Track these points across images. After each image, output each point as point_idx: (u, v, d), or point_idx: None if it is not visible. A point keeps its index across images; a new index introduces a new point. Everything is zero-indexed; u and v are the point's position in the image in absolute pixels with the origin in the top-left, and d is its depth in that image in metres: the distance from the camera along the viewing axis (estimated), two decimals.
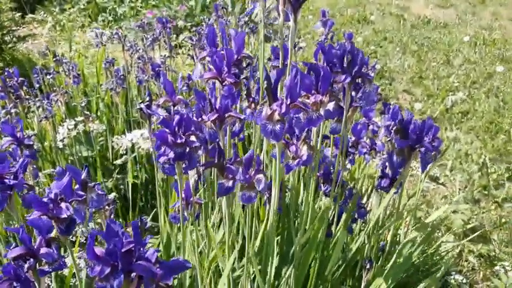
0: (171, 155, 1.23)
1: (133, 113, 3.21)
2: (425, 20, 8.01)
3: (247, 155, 1.40)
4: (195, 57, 3.34)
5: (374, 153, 2.25)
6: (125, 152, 2.78)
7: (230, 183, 1.28)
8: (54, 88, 2.92)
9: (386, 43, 7.34)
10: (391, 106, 1.66)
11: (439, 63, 6.75)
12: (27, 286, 1.21)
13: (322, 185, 1.90)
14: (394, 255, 1.66)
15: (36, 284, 1.19)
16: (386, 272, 1.60)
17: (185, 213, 1.70)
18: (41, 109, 2.70)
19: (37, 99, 2.60)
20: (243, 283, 1.51)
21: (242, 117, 1.32)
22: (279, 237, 1.88)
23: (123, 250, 0.89)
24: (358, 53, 1.31)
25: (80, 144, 3.03)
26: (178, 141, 1.24)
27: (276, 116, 1.10)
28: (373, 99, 1.37)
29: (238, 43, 1.54)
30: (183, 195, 1.67)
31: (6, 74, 2.76)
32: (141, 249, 0.92)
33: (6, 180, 1.37)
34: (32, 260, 1.13)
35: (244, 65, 1.58)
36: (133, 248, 0.90)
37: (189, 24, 7.44)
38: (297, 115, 1.16)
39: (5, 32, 6.49)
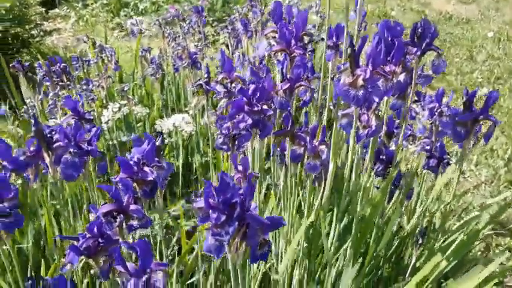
0: (249, 121, 1.27)
1: (169, 99, 3.26)
2: (447, 15, 7.97)
3: (312, 125, 1.43)
4: (229, 46, 3.38)
5: (411, 138, 2.28)
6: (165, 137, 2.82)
7: (301, 150, 1.31)
8: (96, 74, 2.98)
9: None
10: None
11: (462, 58, 6.72)
12: (110, 243, 1.26)
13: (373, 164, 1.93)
14: (456, 234, 1.67)
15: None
16: (446, 249, 1.61)
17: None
18: (84, 94, 2.75)
19: (83, 82, 2.66)
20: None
21: (312, 87, 1.35)
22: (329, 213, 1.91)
23: (237, 200, 0.93)
24: (430, 26, 1.33)
25: (118, 130, 3.09)
26: (255, 108, 1.28)
27: (360, 82, 1.12)
28: (442, 70, 1.39)
29: (302, 20, 1.58)
30: (241, 168, 1.71)
31: (49, 60, 2.81)
32: (250, 202, 0.96)
33: (84, 146, 1.42)
34: (121, 216, 1.17)
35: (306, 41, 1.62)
36: (245, 200, 0.94)
37: (211, 19, 7.50)
38: (373, 84, 1.18)
39: (32, 26, 6.61)
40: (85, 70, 3.26)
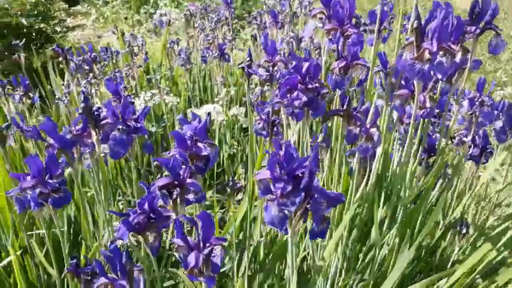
0: (304, 98, 1.24)
1: (197, 90, 3.25)
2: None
3: (364, 107, 1.40)
4: (258, 38, 3.36)
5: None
6: None
7: (357, 130, 1.28)
8: (126, 64, 2.98)
9: None
10: None
11: (486, 57, 6.61)
12: (161, 219, 1.24)
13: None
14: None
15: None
16: (496, 240, 1.56)
17: None
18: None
19: (116, 69, 2.66)
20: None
21: (369, 65, 1.32)
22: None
23: (303, 171, 0.91)
24: (489, 2, 1.29)
25: (145, 120, 3.09)
26: (310, 86, 1.25)
27: (426, 55, 1.09)
28: (501, 51, 1.35)
29: (351, 3, 1.55)
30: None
31: (81, 50, 2.82)
32: (315, 174, 0.93)
33: (131, 124, 1.41)
34: (178, 189, 1.15)
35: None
36: (311, 170, 0.91)
37: None
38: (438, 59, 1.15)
39: (56, 22, 6.67)
40: (114, 61, 3.27)
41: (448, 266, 1.99)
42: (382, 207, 1.86)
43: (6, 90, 2.22)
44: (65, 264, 1.61)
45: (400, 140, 1.88)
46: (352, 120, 1.26)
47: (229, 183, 2.01)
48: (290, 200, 0.92)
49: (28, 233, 2.18)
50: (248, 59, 1.71)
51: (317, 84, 1.24)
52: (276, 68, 1.71)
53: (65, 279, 2.06)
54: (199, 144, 1.23)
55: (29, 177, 1.34)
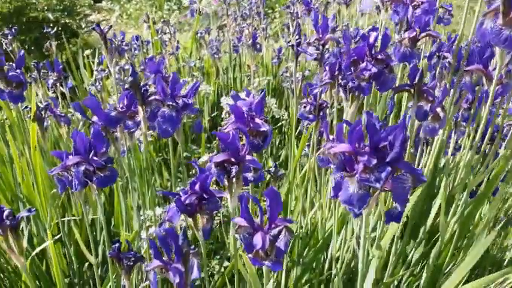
0: (374, 69, 1.13)
1: (229, 80, 3.17)
2: None
3: (431, 83, 1.29)
4: (291, 27, 3.26)
5: None
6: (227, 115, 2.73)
7: (428, 106, 1.17)
8: (158, 52, 2.93)
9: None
10: None
11: None
12: (214, 200, 1.15)
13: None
14: None
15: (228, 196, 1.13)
16: None
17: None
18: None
19: (148, 57, 2.60)
20: None
21: (441, 36, 1.21)
22: None
23: (385, 145, 0.81)
24: None
25: None
26: (379, 56, 1.15)
27: None
28: None
29: None
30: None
31: (113, 37, 2.76)
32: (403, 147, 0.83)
33: (180, 101, 1.33)
34: (236, 166, 1.06)
35: None
36: (402, 142, 0.81)
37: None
38: None
39: (81, 17, 6.70)
40: (144, 50, 3.21)
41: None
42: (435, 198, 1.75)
43: (41, 73, 2.17)
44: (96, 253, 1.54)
45: (455, 124, 1.76)
46: (423, 96, 1.15)
47: (271, 169, 1.92)
48: (374, 175, 0.82)
49: (61, 219, 2.13)
50: (297, 36, 1.61)
51: (386, 56, 1.14)
52: (327, 47, 1.61)
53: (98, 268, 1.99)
54: (257, 120, 1.14)
55: (71, 156, 1.28)
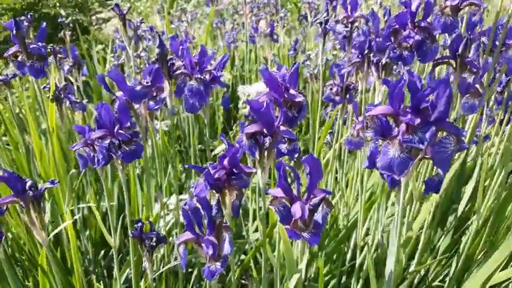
0: (417, 37, 1.08)
1: (244, 69, 3.12)
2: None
3: (472, 55, 1.23)
4: (309, 17, 3.22)
5: None
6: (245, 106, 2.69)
7: (471, 79, 1.11)
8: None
9: None
10: None
11: None
12: (242, 177, 1.10)
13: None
14: None
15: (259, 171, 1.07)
16: None
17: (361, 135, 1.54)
18: None
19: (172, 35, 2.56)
20: None
21: (484, 5, 1.16)
22: None
23: (427, 106, 0.76)
24: None
25: None
26: (422, 24, 1.09)
27: None
28: None
29: None
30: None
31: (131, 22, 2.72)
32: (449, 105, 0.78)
33: (207, 76, 1.28)
34: (269, 138, 1.01)
35: None
36: (448, 99, 0.75)
37: None
38: None
39: (92, 13, 6.70)
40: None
41: None
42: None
43: (57, 58, 2.14)
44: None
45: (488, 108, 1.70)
46: (466, 68, 1.10)
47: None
48: (418, 136, 0.77)
49: (77, 206, 2.09)
50: (326, 14, 1.56)
51: (429, 24, 1.09)
52: (356, 25, 1.56)
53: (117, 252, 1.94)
54: (292, 91, 1.08)
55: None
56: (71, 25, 6.13)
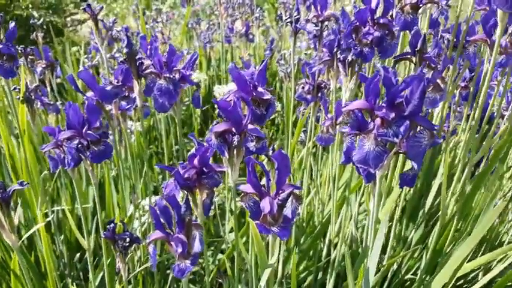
0: (377, 33, 1.11)
1: (220, 70, 3.13)
2: None
3: (431, 51, 1.27)
4: (283, 16, 3.23)
5: None
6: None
7: (430, 74, 1.15)
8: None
9: None
10: None
11: None
12: (212, 176, 1.11)
13: None
14: None
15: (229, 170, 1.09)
16: None
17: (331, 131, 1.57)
18: None
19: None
20: None
21: (443, 2, 1.20)
22: None
23: (401, 101, 0.79)
24: None
25: None
26: (381, 21, 1.12)
27: None
28: None
29: None
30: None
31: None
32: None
33: (176, 75, 1.29)
34: (238, 136, 1.02)
35: None
36: (421, 93, 0.78)
37: None
38: None
39: (67, 14, 6.60)
40: (134, 41, 3.15)
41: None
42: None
43: (28, 59, 2.10)
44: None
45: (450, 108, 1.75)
46: (425, 64, 1.14)
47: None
48: (393, 129, 0.79)
49: (51, 209, 2.06)
50: (296, 13, 1.58)
51: (388, 21, 1.12)
52: (326, 24, 1.58)
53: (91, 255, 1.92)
54: (260, 89, 1.10)
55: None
56: (44, 26, 6.04)
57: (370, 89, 0.81)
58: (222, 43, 2.82)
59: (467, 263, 1.42)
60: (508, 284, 1.53)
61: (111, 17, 8.40)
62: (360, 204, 1.79)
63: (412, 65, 1.24)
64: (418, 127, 0.83)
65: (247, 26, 2.89)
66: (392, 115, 0.78)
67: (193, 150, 1.15)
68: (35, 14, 6.18)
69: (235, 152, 1.08)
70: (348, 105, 0.85)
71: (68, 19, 6.74)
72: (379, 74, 0.81)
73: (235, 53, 3.16)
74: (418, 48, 1.13)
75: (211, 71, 3.10)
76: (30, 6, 6.25)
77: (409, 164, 1.32)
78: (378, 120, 0.80)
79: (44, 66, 2.25)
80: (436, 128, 0.82)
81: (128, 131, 2.27)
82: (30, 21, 3.04)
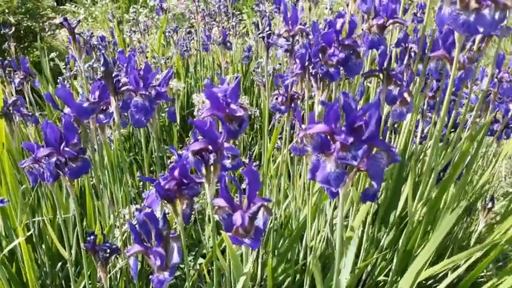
0: (341, 55, 1.18)
1: (198, 78, 3.17)
2: None
3: (398, 68, 1.35)
4: (260, 24, 3.29)
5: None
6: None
7: (397, 91, 1.22)
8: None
9: None
10: None
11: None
12: (192, 187, 1.16)
13: None
14: None
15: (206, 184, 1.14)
16: None
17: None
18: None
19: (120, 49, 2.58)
20: None
21: (408, 23, 1.27)
22: None
23: (361, 125, 0.85)
24: None
25: None
26: (346, 42, 1.19)
27: (473, 4, 1.04)
28: None
29: None
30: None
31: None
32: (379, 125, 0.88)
33: (152, 92, 1.33)
34: (214, 154, 1.07)
35: None
36: (377, 120, 0.85)
37: None
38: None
39: (44, 19, 6.52)
40: (111, 50, 3.17)
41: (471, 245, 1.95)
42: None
43: (6, 71, 2.11)
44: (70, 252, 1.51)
45: (422, 115, 1.83)
46: (391, 81, 1.21)
47: (246, 161, 1.94)
48: (351, 153, 0.85)
49: (32, 219, 2.07)
50: (268, 28, 1.64)
51: (353, 42, 1.19)
52: (297, 38, 1.65)
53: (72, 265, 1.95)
54: (233, 106, 1.15)
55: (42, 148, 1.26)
56: (21, 33, 5.97)
57: (330, 115, 0.87)
58: (200, 51, 2.86)
59: (433, 266, 1.50)
60: (477, 279, 1.62)
61: (90, 20, 8.34)
62: (334, 208, 1.86)
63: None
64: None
65: (224, 34, 2.94)
66: (351, 140, 0.84)
67: (173, 162, 1.20)
68: (12, 19, 6.10)
69: (211, 168, 1.13)
70: (310, 128, 0.91)
71: (46, 24, 6.67)
72: (338, 100, 0.87)
73: (212, 59, 3.20)
74: (384, 67, 1.20)
75: (190, 77, 3.14)
76: (6, 11, 6.17)
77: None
78: (337, 144, 0.86)
79: (21, 77, 2.26)
80: (392, 149, 0.88)
81: (107, 139, 2.29)
82: (2, 32, 3.03)
